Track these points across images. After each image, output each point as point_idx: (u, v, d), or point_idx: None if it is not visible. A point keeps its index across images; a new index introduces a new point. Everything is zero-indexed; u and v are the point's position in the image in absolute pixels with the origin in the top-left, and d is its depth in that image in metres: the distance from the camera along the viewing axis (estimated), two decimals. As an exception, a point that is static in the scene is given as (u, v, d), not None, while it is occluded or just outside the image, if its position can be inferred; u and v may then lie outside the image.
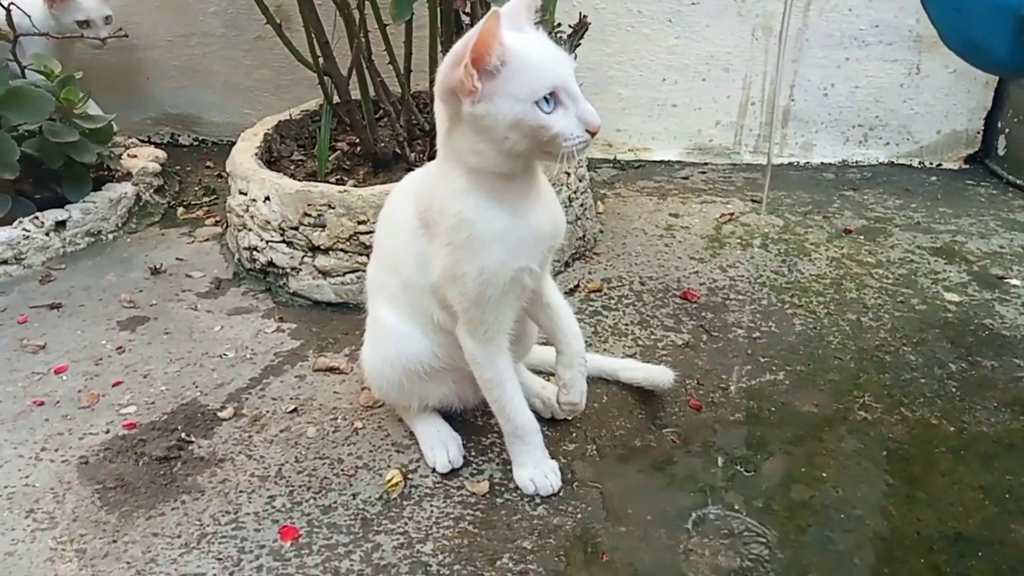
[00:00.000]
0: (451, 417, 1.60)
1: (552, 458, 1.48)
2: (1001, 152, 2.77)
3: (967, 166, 2.86)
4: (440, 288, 1.36)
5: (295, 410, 1.68)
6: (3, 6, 2.41)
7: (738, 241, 2.34)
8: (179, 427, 1.64)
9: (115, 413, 1.68)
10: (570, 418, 1.59)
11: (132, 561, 1.33)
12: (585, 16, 2.23)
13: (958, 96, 2.78)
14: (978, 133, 2.83)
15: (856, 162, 2.88)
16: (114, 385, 1.77)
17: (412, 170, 2.17)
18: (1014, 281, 2.10)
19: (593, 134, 1.20)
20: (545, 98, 1.16)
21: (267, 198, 2.02)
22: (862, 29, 2.73)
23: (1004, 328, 1.90)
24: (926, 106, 2.80)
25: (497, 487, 1.47)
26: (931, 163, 2.87)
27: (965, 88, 2.77)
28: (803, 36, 2.76)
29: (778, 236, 2.36)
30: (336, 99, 2.29)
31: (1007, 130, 2.74)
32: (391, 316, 1.48)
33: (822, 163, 2.88)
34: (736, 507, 1.41)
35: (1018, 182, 2.67)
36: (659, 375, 1.67)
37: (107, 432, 1.63)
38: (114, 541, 1.37)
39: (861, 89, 2.80)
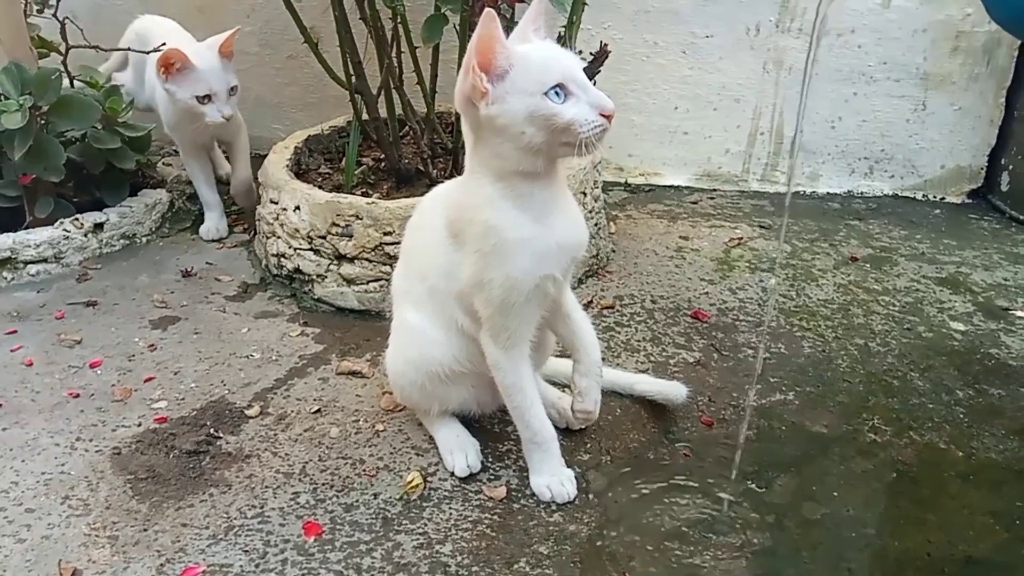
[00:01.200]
0: (469, 423, 1.58)
1: (567, 467, 1.46)
2: (1004, 188, 2.75)
3: (970, 201, 2.84)
4: (466, 295, 1.35)
5: (319, 411, 1.67)
6: (58, 19, 2.40)
7: (747, 265, 2.32)
8: (208, 423, 1.62)
9: (147, 407, 1.67)
10: (583, 427, 1.58)
11: (162, 550, 1.32)
12: (606, 44, 2.22)
13: (963, 132, 2.77)
14: (981, 169, 2.81)
15: (861, 193, 2.87)
16: (146, 380, 1.76)
17: (434, 186, 2.20)
18: (1019, 313, 2.08)
19: (608, 117, 1.21)
20: (555, 91, 1.18)
21: (297, 207, 2.02)
22: (870, 65, 2.72)
23: (1011, 358, 1.88)
24: (931, 141, 2.79)
25: (514, 493, 1.45)
26: (935, 196, 2.85)
27: (970, 125, 2.76)
28: (813, 70, 2.75)
29: (786, 261, 2.35)
30: (364, 116, 2.29)
31: (1011, 167, 2.73)
32: (416, 318, 1.48)
33: (828, 193, 2.87)
34: (749, 522, 1.39)
35: (1021, 217, 2.65)
36: (673, 390, 1.66)
37: (139, 425, 1.62)
38: (145, 530, 1.36)
39: (868, 123, 2.79)
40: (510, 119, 1.20)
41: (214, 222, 2.43)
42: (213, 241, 2.41)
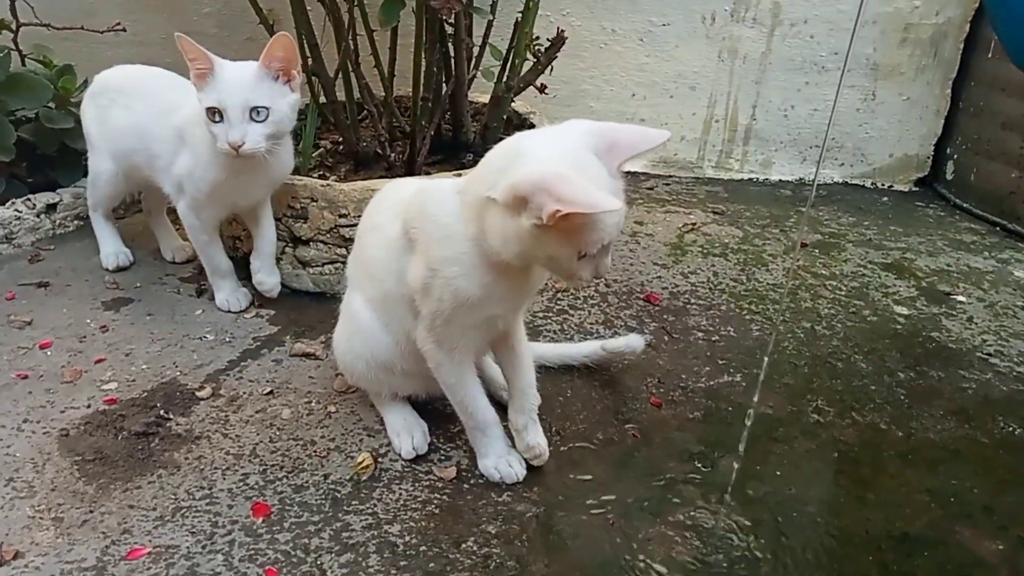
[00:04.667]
0: (420, 405, 1.56)
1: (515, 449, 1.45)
2: (949, 177, 2.79)
3: (917, 188, 2.88)
4: (414, 296, 1.31)
5: (271, 392, 1.64)
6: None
7: (699, 249, 2.32)
8: (158, 404, 1.58)
9: (97, 389, 1.63)
10: (536, 464, 1.44)
11: (107, 531, 1.28)
12: (563, 31, 2.20)
13: (910, 123, 2.80)
14: (928, 158, 2.85)
15: (812, 180, 2.88)
16: (97, 362, 1.71)
17: (392, 169, 2.17)
18: (960, 297, 2.11)
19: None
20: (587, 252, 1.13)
21: (253, 189, 1.97)
22: (822, 55, 2.73)
23: (951, 341, 1.90)
24: (880, 130, 2.81)
25: (464, 473, 1.44)
26: (883, 184, 2.88)
27: (917, 115, 2.79)
28: (766, 60, 2.76)
29: (738, 247, 2.35)
30: (322, 99, 2.25)
31: (955, 156, 2.76)
32: (367, 316, 1.44)
33: (780, 180, 2.88)
34: (693, 501, 1.38)
35: (964, 205, 2.69)
36: (635, 340, 1.69)
37: (88, 407, 1.58)
38: (91, 511, 1.32)
39: (819, 112, 2.81)
40: (535, 247, 1.12)
41: (230, 290, 1.95)
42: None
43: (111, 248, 2.09)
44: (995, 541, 1.33)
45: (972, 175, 2.68)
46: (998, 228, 2.55)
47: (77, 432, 1.51)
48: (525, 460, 1.43)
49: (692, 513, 1.36)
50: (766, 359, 1.73)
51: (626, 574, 1.24)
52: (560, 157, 1.10)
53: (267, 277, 1.94)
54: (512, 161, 1.13)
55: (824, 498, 1.40)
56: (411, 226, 1.29)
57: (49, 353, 1.74)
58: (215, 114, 1.66)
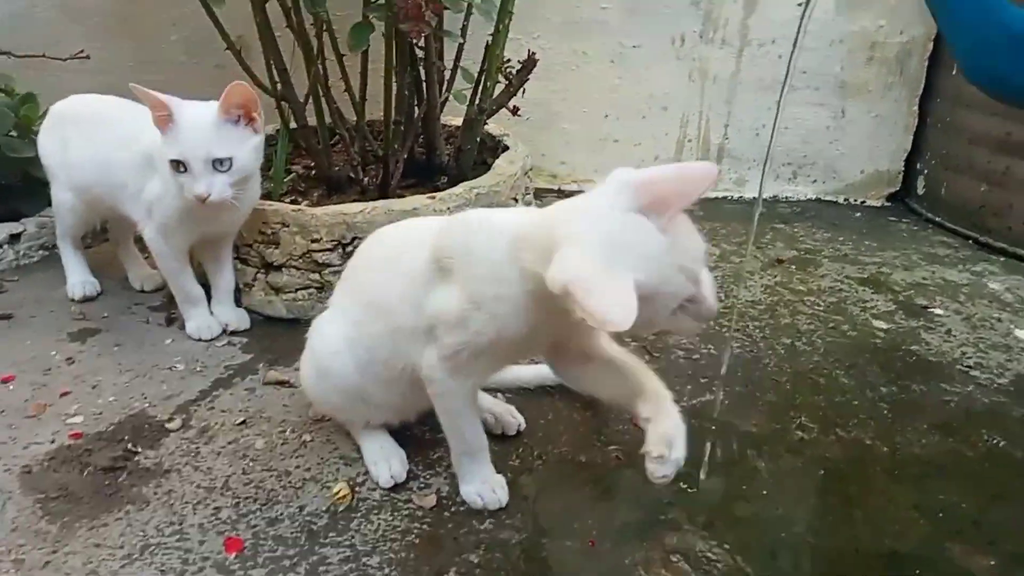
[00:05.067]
0: (398, 431, 1.51)
1: (498, 473, 1.40)
2: (920, 191, 2.80)
3: (889, 204, 2.89)
4: (435, 327, 1.23)
5: (244, 422, 1.58)
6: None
7: (678, 268, 2.30)
8: (126, 437, 1.53)
9: (61, 423, 1.57)
10: (659, 478, 1.18)
11: (71, 572, 1.22)
12: (533, 53, 2.19)
13: (880, 139, 2.81)
14: (899, 173, 2.86)
15: (786, 198, 2.89)
16: (62, 395, 1.65)
17: (365, 193, 2.14)
18: (937, 310, 2.10)
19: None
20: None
21: (223, 215, 1.92)
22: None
23: (931, 354, 1.89)
24: (851, 147, 2.83)
25: (445, 500, 1.39)
26: (856, 200, 2.89)
27: (887, 132, 2.80)
28: (736, 80, 2.77)
29: (714, 264, 2.33)
30: (293, 125, 2.21)
31: (925, 171, 2.78)
32: (349, 354, 1.38)
33: (754, 198, 2.88)
34: (680, 523, 1.35)
35: (936, 219, 2.69)
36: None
37: (52, 442, 1.51)
38: (54, 551, 1.26)
39: (790, 130, 2.81)
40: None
41: (203, 318, 1.90)
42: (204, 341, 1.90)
43: (77, 278, 2.03)
44: (986, 557, 1.30)
45: (943, 189, 2.69)
46: (970, 241, 2.56)
47: (40, 468, 1.45)
48: (650, 455, 1.17)
49: (679, 536, 1.32)
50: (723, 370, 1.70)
51: (614, 601, 1.20)
52: (598, 241, 1.01)
53: (235, 317, 1.92)
54: (554, 245, 1.04)
55: (812, 517, 1.37)
56: (446, 255, 1.21)
57: (12, 387, 1.68)
58: (179, 165, 1.63)
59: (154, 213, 1.80)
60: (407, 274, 1.29)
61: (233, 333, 1.90)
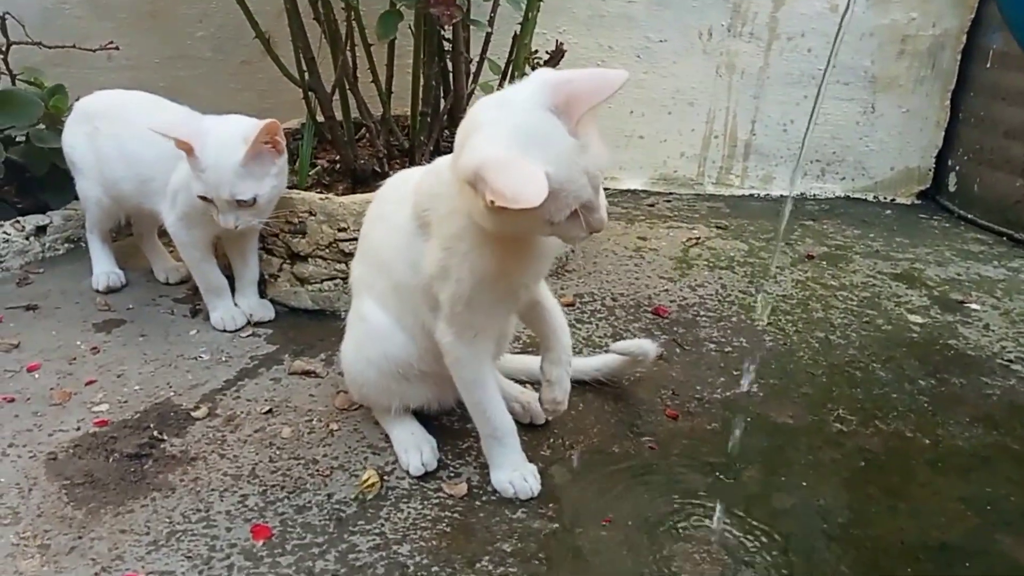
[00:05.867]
0: (427, 420, 1.48)
1: (529, 463, 1.37)
2: (952, 188, 2.74)
3: (919, 201, 2.83)
4: (432, 286, 1.24)
5: (270, 411, 1.55)
6: (-2, 14, 2.23)
7: (705, 263, 2.26)
8: (151, 425, 1.50)
9: (87, 411, 1.54)
10: (550, 419, 1.48)
11: (97, 557, 1.19)
12: (561, 43, 2.15)
13: (911, 135, 2.76)
14: (929, 170, 2.80)
15: (814, 195, 2.84)
16: (87, 384, 1.62)
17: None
18: (974, 305, 2.04)
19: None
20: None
21: (249, 205, 1.90)
22: (820, 69, 2.70)
23: (969, 348, 1.83)
24: (880, 143, 2.77)
25: (475, 490, 1.35)
26: (885, 198, 2.83)
27: (918, 127, 2.75)
28: (764, 74, 2.72)
29: (744, 259, 2.29)
30: (319, 118, 2.18)
31: (957, 167, 2.72)
32: (379, 316, 1.37)
33: (781, 195, 2.83)
34: (718, 514, 1.30)
35: (969, 216, 2.64)
36: (647, 344, 1.58)
37: (78, 429, 1.49)
38: (80, 537, 1.23)
39: (819, 126, 2.76)
40: (506, 224, 1.07)
41: (227, 307, 1.86)
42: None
43: (103, 268, 2.01)
44: (1038, 549, 1.25)
45: (976, 186, 2.63)
46: (1005, 238, 2.50)
47: (66, 455, 1.42)
48: (544, 410, 1.40)
49: (717, 527, 1.27)
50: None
51: (653, 592, 1.16)
52: (510, 130, 1.03)
53: (259, 308, 1.89)
54: (470, 135, 1.06)
55: (854, 508, 1.32)
56: (423, 208, 1.23)
57: (37, 376, 1.65)
58: (204, 198, 1.65)
59: (177, 202, 1.78)
60: (396, 231, 1.30)
61: (258, 324, 1.87)
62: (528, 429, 1.48)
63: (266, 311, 1.89)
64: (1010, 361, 1.78)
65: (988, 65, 2.58)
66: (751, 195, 2.84)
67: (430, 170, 1.27)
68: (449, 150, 2.17)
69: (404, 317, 1.34)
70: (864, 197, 2.84)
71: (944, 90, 2.71)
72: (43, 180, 2.19)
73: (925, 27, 2.64)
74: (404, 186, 1.34)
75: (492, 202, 0.97)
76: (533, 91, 1.05)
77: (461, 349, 1.27)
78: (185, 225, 1.79)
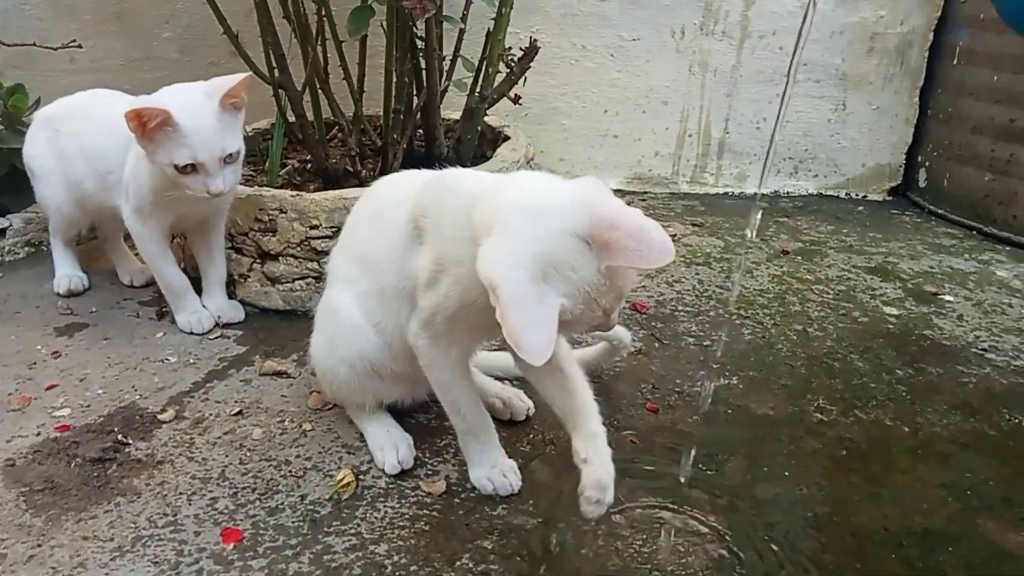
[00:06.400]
0: (402, 418, 1.44)
1: (509, 459, 1.33)
2: (922, 184, 2.75)
3: (890, 198, 2.84)
4: (416, 288, 1.19)
5: (240, 412, 1.50)
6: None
7: (681, 259, 2.24)
8: (116, 429, 1.44)
9: (47, 416, 1.48)
10: (595, 517, 1.14)
11: (58, 566, 1.13)
12: (535, 40, 2.13)
13: (881, 132, 2.77)
14: (900, 167, 2.81)
15: (787, 192, 2.84)
16: (47, 388, 1.57)
17: (363, 185, 2.06)
18: (947, 297, 2.04)
19: None
20: None
21: (217, 204, 1.85)
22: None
23: (944, 338, 1.83)
24: (852, 140, 2.78)
25: (454, 487, 1.31)
26: (857, 195, 2.84)
27: (888, 124, 2.76)
28: (737, 72, 2.72)
29: (720, 255, 2.27)
30: (290, 117, 2.14)
31: (927, 163, 2.73)
32: (354, 314, 1.31)
33: (755, 192, 2.83)
34: (702, 506, 1.27)
35: (939, 211, 2.65)
36: (622, 331, 1.54)
37: (38, 435, 1.43)
38: (39, 545, 1.17)
39: (791, 124, 2.77)
40: None
41: (193, 309, 1.80)
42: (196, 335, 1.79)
43: (65, 271, 1.95)
44: (1020, 532, 1.24)
45: (945, 181, 2.64)
46: (974, 232, 2.51)
47: (24, 461, 1.36)
48: (586, 507, 1.12)
49: (702, 518, 1.25)
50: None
51: (638, 585, 1.12)
52: (535, 253, 0.97)
53: (228, 309, 1.84)
54: (494, 228, 1.00)
55: (837, 497, 1.30)
56: (421, 214, 1.18)
57: (-5, 381, 1.59)
58: (187, 167, 1.57)
59: (131, 194, 1.73)
60: (389, 230, 1.24)
61: (227, 326, 1.82)
62: (507, 425, 1.45)
63: (235, 312, 1.84)
64: (984, 350, 1.78)
65: (955, 62, 2.60)
66: (725, 193, 2.83)
67: (437, 179, 1.21)
68: (422, 150, 2.17)
69: (385, 320, 1.29)
70: (836, 194, 2.84)
71: (913, 87, 2.73)
72: (2, 182, 2.12)
73: (893, 25, 2.65)
74: (405, 186, 1.28)
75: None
76: (572, 210, 0.99)
77: (435, 353, 1.22)
78: (140, 217, 1.73)
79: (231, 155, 1.60)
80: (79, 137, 1.83)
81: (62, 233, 1.96)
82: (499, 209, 1.03)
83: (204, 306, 1.82)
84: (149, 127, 1.53)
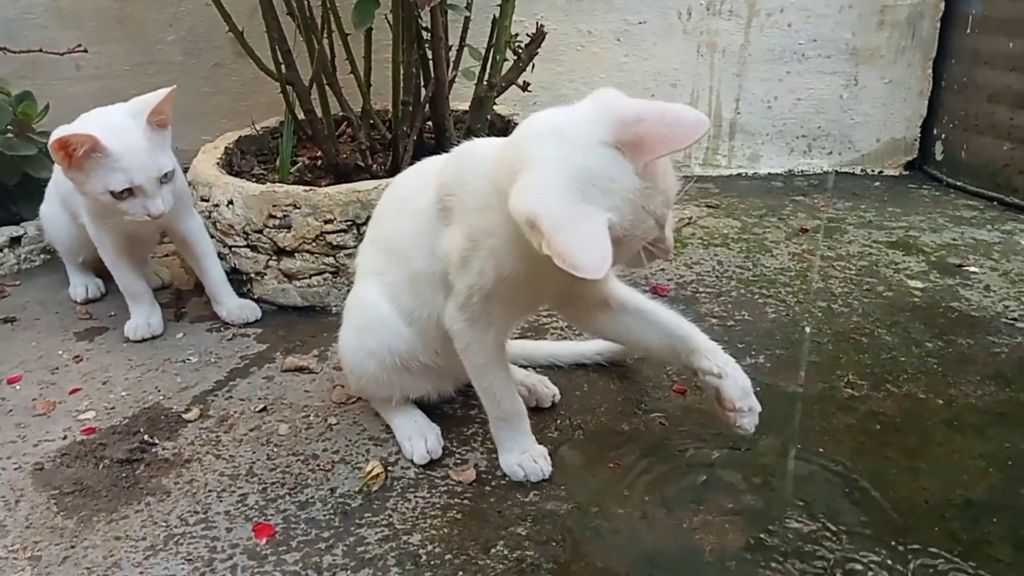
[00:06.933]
0: (429, 409, 1.42)
1: (539, 445, 1.32)
2: (939, 157, 2.72)
3: (907, 172, 2.81)
4: (448, 272, 1.17)
5: (264, 409, 1.50)
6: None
7: (699, 241, 2.22)
8: (142, 430, 1.44)
9: (73, 419, 1.48)
10: (751, 430, 1.18)
11: (92, 566, 1.13)
12: (542, 26, 2.11)
13: (894, 106, 2.74)
14: (915, 140, 2.78)
15: (802, 171, 2.81)
16: (71, 392, 1.56)
17: (375, 179, 2.05)
18: (972, 268, 2.02)
19: None
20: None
21: (230, 202, 1.84)
22: (801, 43, 2.68)
23: (972, 309, 1.80)
24: (865, 116, 2.75)
25: (484, 475, 1.30)
26: (873, 170, 2.81)
27: (901, 98, 2.73)
28: (746, 52, 2.70)
29: (738, 236, 2.25)
30: (299, 114, 2.13)
31: (943, 135, 2.70)
32: (384, 306, 1.30)
33: (769, 173, 2.80)
34: (736, 485, 1.26)
35: (958, 184, 2.62)
36: None
37: (64, 438, 1.43)
38: (72, 546, 1.17)
39: (803, 101, 2.74)
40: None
41: (144, 315, 1.78)
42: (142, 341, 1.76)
43: (80, 280, 1.95)
44: (1065, 502, 1.22)
45: (962, 152, 2.61)
46: (995, 202, 2.48)
47: (53, 465, 1.36)
48: (738, 421, 1.15)
49: (736, 498, 1.23)
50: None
51: (682, 565, 1.11)
52: (568, 174, 0.93)
53: (243, 310, 1.83)
54: (520, 167, 0.96)
55: (875, 471, 1.28)
56: (447, 192, 1.15)
57: (18, 387, 1.59)
58: (124, 192, 1.54)
59: (81, 212, 1.74)
60: (416, 215, 1.22)
61: (246, 324, 1.81)
62: (534, 412, 1.43)
63: (251, 312, 1.83)
64: (1015, 319, 1.76)
65: (968, 31, 2.57)
66: (739, 174, 2.81)
67: (458, 154, 1.19)
68: (432, 142, 2.16)
69: (418, 309, 1.26)
70: (852, 171, 2.82)
71: (925, 59, 2.70)
72: (14, 190, 2.12)
73: (903, -4, 2.63)
74: (427, 171, 1.26)
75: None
76: (594, 122, 0.95)
77: (472, 335, 1.20)
78: (96, 223, 1.72)
79: (166, 175, 1.58)
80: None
81: (69, 258, 1.98)
82: (519, 149, 0.99)
83: (220, 316, 1.82)
84: (76, 156, 1.49)
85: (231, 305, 1.83)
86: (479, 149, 1.16)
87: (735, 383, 1.16)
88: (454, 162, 1.18)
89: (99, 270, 1.95)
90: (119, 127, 1.53)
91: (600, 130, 0.94)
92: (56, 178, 1.89)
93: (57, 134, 1.48)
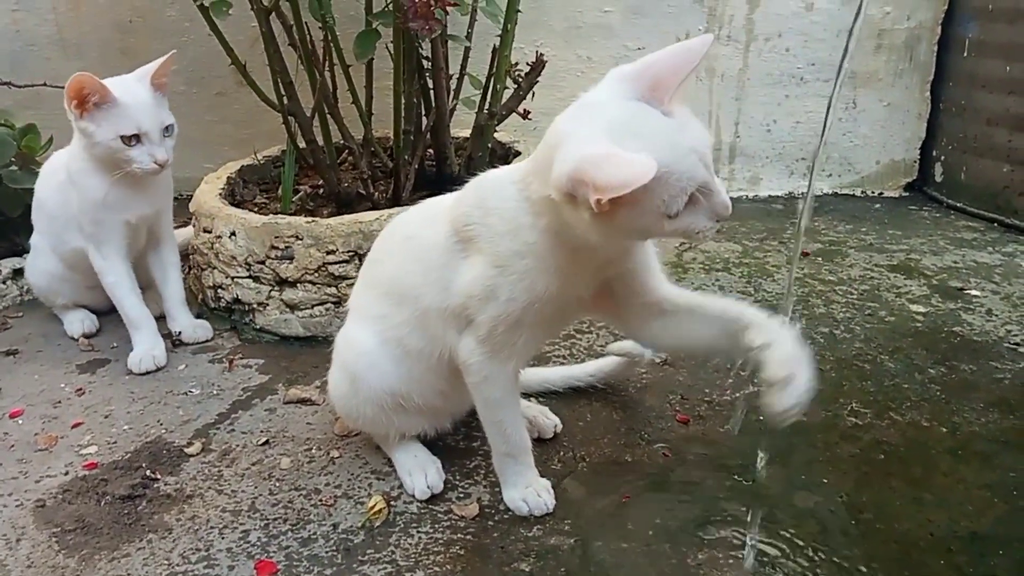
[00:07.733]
0: (431, 442, 1.42)
1: (542, 478, 1.31)
2: (939, 179, 2.73)
3: (907, 194, 2.81)
4: (466, 306, 1.16)
5: (266, 442, 1.49)
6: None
7: (700, 266, 2.22)
8: (143, 465, 1.43)
9: (75, 454, 1.47)
10: (792, 407, 1.01)
11: (92, 608, 1.13)
12: (542, 55, 2.13)
13: (893, 128, 2.75)
14: (915, 162, 2.79)
15: (802, 193, 2.81)
16: (73, 426, 1.56)
17: (376, 207, 2.05)
18: (974, 292, 2.01)
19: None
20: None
21: (233, 233, 1.85)
22: (799, 67, 2.69)
23: (974, 334, 1.80)
24: (864, 138, 2.76)
25: (487, 509, 1.29)
26: (873, 192, 2.82)
27: (900, 120, 2.74)
28: (744, 76, 2.71)
29: (739, 260, 2.25)
30: (300, 143, 2.14)
31: (942, 157, 2.71)
32: (378, 349, 1.29)
33: (770, 195, 2.81)
34: (740, 518, 1.25)
35: (958, 205, 2.62)
36: (637, 346, 1.52)
37: (66, 474, 1.42)
38: (72, 587, 1.16)
39: (802, 124, 2.75)
40: (620, 230, 1.00)
41: (147, 346, 1.79)
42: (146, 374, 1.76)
43: (72, 316, 1.95)
44: (1072, 533, 1.21)
45: (962, 174, 2.62)
46: (996, 224, 2.48)
47: (55, 502, 1.35)
48: (784, 402, 1.00)
49: (741, 531, 1.22)
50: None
51: (681, 602, 1.10)
52: (599, 129, 0.96)
53: (190, 325, 1.88)
54: (555, 151, 0.98)
55: (879, 502, 1.27)
56: (466, 223, 1.15)
57: (20, 421, 1.59)
58: (131, 139, 1.67)
59: (84, 226, 1.78)
60: (428, 251, 1.21)
61: (246, 356, 1.81)
62: (536, 443, 1.42)
63: (203, 332, 1.89)
64: (1017, 344, 1.75)
65: (965, 54, 2.58)
66: (740, 197, 2.81)
67: (474, 185, 1.19)
68: (433, 170, 2.16)
69: (427, 348, 1.25)
70: (852, 192, 2.82)
71: (923, 82, 2.71)
72: (18, 222, 2.12)
73: (900, 20, 2.64)
74: (433, 208, 1.26)
75: (599, 202, 0.90)
76: (612, 88, 1.01)
77: (491, 368, 1.19)
78: (98, 248, 1.79)
79: (168, 127, 1.73)
80: (39, 192, 1.92)
81: (55, 301, 2.00)
82: (553, 135, 1.02)
83: (173, 331, 1.87)
84: (88, 105, 1.64)
85: (185, 323, 1.88)
86: (496, 176, 1.17)
87: (780, 350, 1.03)
88: (472, 193, 1.18)
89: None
90: (127, 84, 1.70)
91: (620, 88, 1.00)
92: (42, 212, 1.92)
93: (93, 81, 1.62)
